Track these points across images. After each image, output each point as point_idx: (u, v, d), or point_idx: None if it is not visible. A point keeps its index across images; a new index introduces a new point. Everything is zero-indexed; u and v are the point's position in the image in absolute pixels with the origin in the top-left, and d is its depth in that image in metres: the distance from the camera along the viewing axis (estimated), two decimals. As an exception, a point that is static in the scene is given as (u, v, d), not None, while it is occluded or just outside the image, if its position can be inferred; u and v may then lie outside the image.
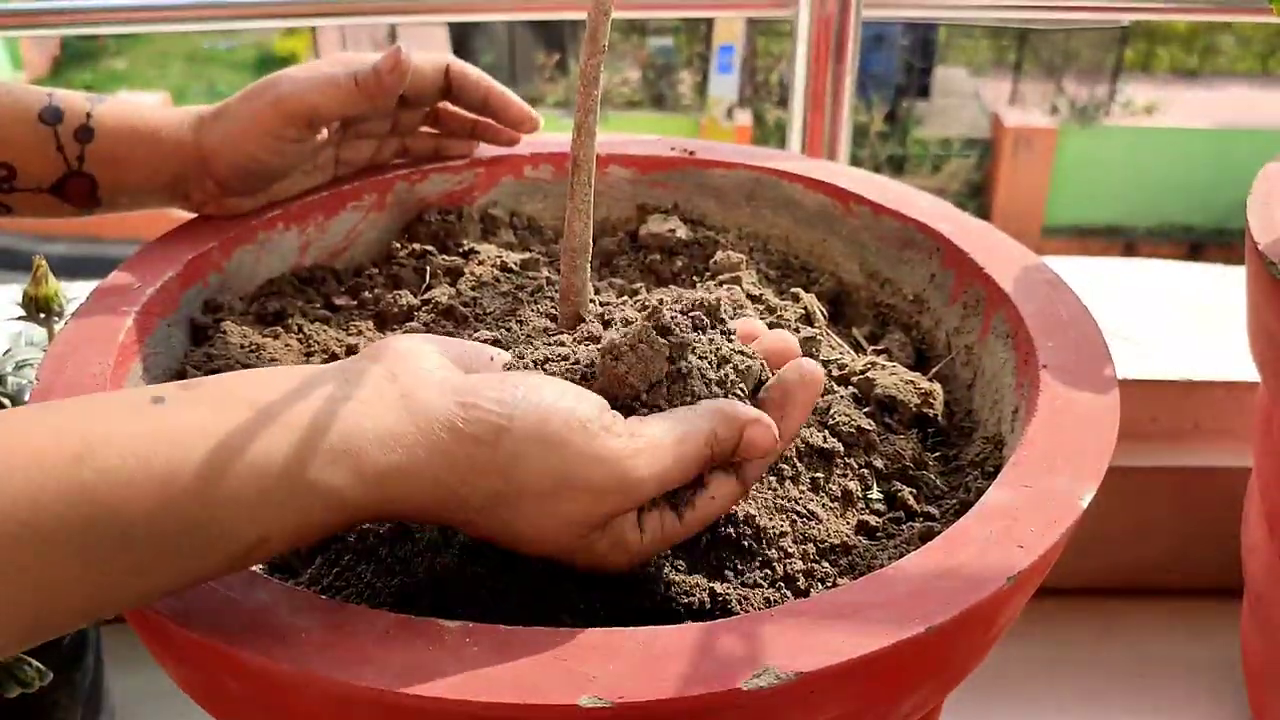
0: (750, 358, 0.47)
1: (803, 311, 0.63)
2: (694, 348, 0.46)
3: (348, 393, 0.38)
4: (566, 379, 0.44)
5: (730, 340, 0.48)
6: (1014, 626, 0.48)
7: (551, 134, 0.74)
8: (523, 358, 0.46)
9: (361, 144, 0.68)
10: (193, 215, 0.65)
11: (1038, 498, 0.45)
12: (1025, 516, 0.44)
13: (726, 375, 0.46)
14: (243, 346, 0.58)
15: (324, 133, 0.65)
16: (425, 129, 0.71)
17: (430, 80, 0.67)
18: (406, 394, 0.39)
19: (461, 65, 0.68)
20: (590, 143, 0.52)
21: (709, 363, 0.46)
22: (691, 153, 0.72)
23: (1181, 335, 0.93)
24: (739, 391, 0.46)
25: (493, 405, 0.39)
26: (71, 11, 0.90)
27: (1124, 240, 5.37)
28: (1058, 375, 0.52)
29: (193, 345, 0.60)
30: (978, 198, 5.66)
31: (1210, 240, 5.33)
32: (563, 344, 0.48)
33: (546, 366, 0.45)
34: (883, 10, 0.91)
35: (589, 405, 0.40)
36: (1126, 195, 5.26)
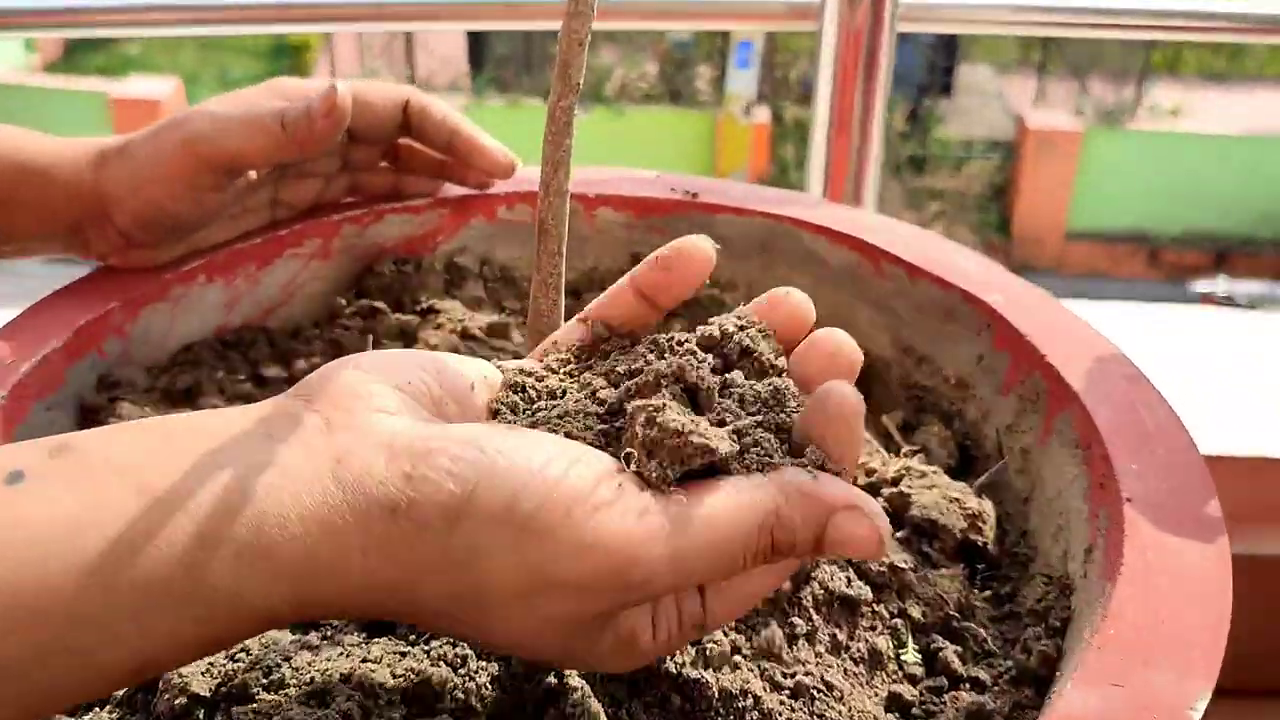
0: (775, 375, 0.36)
1: (823, 399, 0.52)
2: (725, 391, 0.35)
3: (266, 456, 0.30)
4: (579, 422, 0.34)
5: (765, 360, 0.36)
6: None
7: (532, 168, 0.63)
8: (521, 389, 0.36)
9: (304, 183, 0.58)
10: (96, 266, 0.54)
11: (1134, 705, 0.34)
12: (1118, 733, 0.33)
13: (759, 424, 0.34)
14: (138, 437, 0.47)
15: (252, 174, 0.54)
16: (383, 164, 0.61)
17: (384, 117, 0.56)
18: (340, 458, 0.30)
19: (423, 102, 0.57)
20: (561, 204, 0.42)
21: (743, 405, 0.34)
22: (695, 195, 0.62)
23: (1251, 403, 0.82)
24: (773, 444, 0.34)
25: (446, 478, 0.30)
26: (80, 11, 0.80)
27: (1148, 247, 5.24)
28: (1148, 513, 0.41)
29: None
30: (999, 200, 5.54)
31: (1236, 249, 5.19)
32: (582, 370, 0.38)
33: (552, 406, 0.35)
34: (917, 25, 0.80)
35: (582, 474, 0.31)
36: (1152, 201, 5.13)
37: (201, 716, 0.36)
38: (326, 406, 0.32)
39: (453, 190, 0.61)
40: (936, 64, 6.24)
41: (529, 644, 0.32)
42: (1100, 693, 0.34)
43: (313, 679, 0.36)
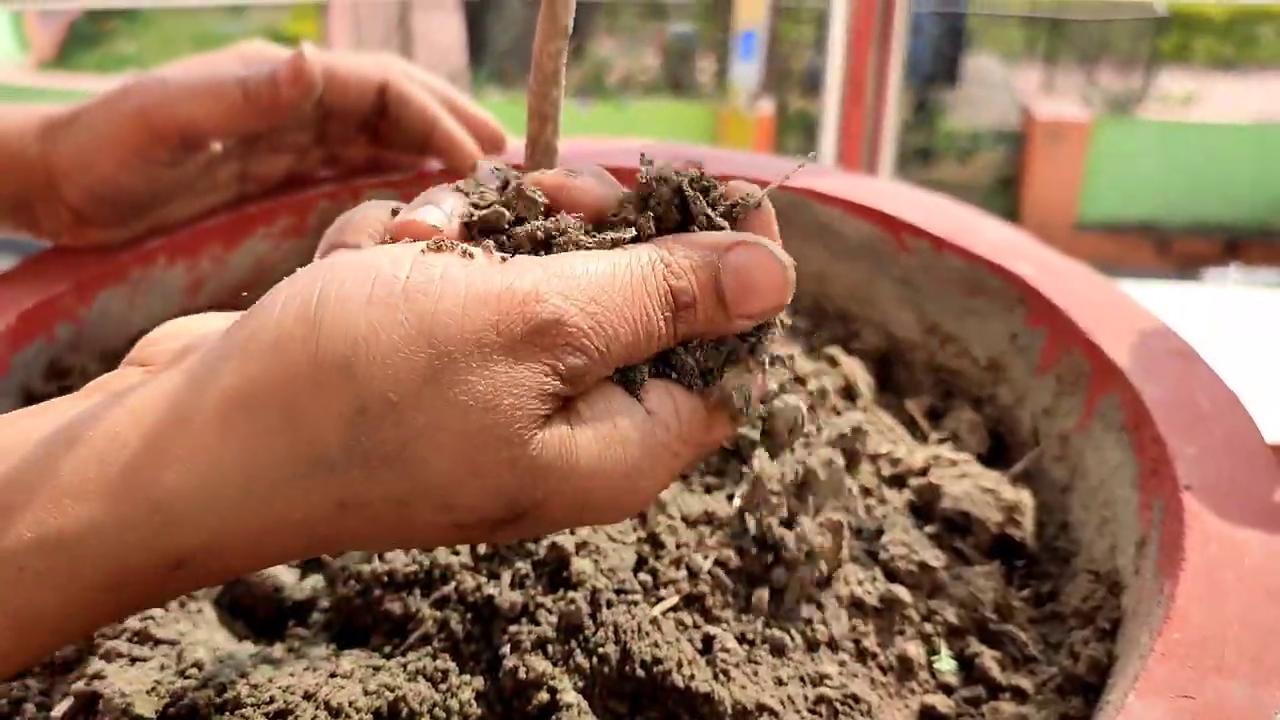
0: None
1: (842, 381, 0.48)
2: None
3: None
4: None
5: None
6: None
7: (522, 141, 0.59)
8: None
9: (275, 157, 0.53)
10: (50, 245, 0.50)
11: (1206, 718, 0.30)
12: (1192, 754, 0.29)
13: None
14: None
15: (216, 146, 0.50)
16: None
17: (358, 98, 0.52)
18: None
19: (402, 89, 0.52)
20: (550, 163, 0.37)
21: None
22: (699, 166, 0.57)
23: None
24: None
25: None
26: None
27: (1159, 237, 5.21)
28: (1209, 502, 0.36)
29: (30, 423, 0.45)
30: (1007, 192, 5.51)
31: (1248, 238, 5.17)
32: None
33: None
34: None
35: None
36: (1163, 190, 5.10)
37: (145, 741, 0.32)
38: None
39: (437, 164, 0.57)
40: (943, 54, 6.20)
41: (469, 477, 0.25)
42: (1167, 704, 0.30)
43: (273, 697, 0.32)
